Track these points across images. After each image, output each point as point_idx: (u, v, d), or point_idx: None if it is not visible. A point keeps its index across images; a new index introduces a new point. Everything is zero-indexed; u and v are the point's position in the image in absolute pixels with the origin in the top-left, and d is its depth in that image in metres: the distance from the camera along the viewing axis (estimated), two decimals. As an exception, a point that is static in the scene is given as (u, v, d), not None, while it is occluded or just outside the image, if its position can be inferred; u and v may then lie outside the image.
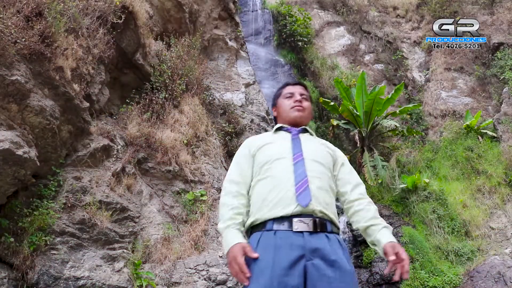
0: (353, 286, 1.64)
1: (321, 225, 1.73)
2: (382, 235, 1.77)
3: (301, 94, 2.15)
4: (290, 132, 2.06)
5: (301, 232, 1.68)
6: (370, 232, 1.82)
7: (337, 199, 2.00)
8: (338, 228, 1.86)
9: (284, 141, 1.99)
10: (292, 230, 1.69)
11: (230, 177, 1.96)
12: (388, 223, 6.60)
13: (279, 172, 1.84)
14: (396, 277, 1.67)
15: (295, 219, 1.71)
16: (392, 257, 1.67)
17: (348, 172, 2.02)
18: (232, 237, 1.72)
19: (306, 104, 2.14)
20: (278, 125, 2.13)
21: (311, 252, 1.64)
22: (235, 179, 1.94)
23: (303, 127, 2.11)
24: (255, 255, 1.63)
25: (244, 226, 1.82)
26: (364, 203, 1.90)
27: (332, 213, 1.82)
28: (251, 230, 1.82)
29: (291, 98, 2.13)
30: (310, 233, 1.69)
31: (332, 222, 1.80)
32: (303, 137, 2.05)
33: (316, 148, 2.00)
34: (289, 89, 2.18)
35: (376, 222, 1.83)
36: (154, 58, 6.53)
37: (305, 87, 2.23)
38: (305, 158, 1.89)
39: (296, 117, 2.09)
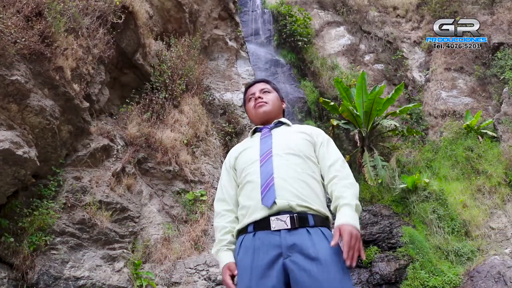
0: (336, 276, 1.56)
1: (301, 220, 1.68)
2: (337, 217, 1.68)
3: (261, 90, 2.11)
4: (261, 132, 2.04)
5: (278, 230, 1.67)
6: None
7: None
8: (327, 218, 1.78)
9: (255, 144, 1.98)
10: (270, 230, 1.68)
11: (216, 196, 2.04)
12: (388, 223, 6.56)
13: (251, 178, 1.85)
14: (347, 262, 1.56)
15: (272, 218, 1.69)
16: (332, 243, 1.60)
17: (324, 152, 1.93)
18: (221, 259, 1.82)
19: (268, 97, 2.09)
20: (253, 128, 2.12)
21: (288, 249, 1.62)
22: (220, 197, 2.00)
23: (276, 120, 2.07)
24: (235, 272, 1.73)
25: (233, 240, 1.88)
26: (334, 183, 1.80)
27: (315, 203, 1.74)
28: (238, 234, 1.85)
29: (253, 99, 2.11)
30: (288, 230, 1.66)
31: (315, 215, 1.72)
32: (277, 131, 2.01)
33: (290, 138, 1.94)
34: (249, 91, 2.16)
35: (337, 202, 1.73)
36: (154, 58, 6.53)
37: (266, 82, 2.18)
38: (275, 154, 1.85)
39: (260, 114, 2.06)
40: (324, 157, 1.92)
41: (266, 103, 2.07)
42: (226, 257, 1.81)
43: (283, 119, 2.10)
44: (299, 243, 1.62)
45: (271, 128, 2.03)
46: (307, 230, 1.67)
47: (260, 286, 1.58)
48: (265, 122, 2.08)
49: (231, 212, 1.93)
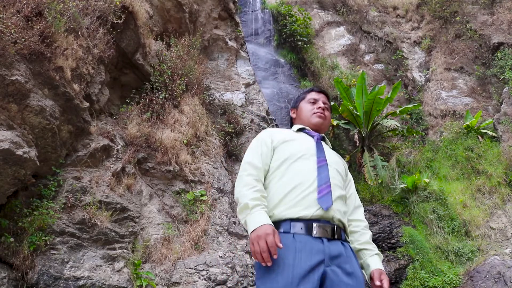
0: None
1: (338, 233, 1.77)
2: (372, 261, 1.87)
3: (324, 103, 2.19)
4: (312, 136, 2.06)
5: (320, 238, 1.69)
6: (362, 255, 1.91)
7: None
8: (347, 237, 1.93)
9: (308, 142, 2.00)
10: (311, 235, 1.68)
11: (250, 159, 1.91)
12: (388, 223, 6.59)
13: (303, 172, 1.83)
14: None
15: (314, 224, 1.70)
16: (377, 283, 1.78)
17: (353, 191, 2.08)
18: (264, 217, 1.66)
19: (327, 113, 2.19)
20: (300, 126, 2.13)
21: (330, 259, 1.66)
22: (256, 164, 1.88)
23: (323, 134, 2.15)
24: (280, 245, 1.59)
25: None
26: (361, 226, 1.98)
27: (346, 223, 1.88)
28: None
29: (314, 104, 2.16)
30: (328, 239, 1.71)
31: (345, 231, 1.87)
32: (324, 144, 2.08)
33: (335, 158, 2.05)
34: (313, 95, 2.20)
35: (369, 247, 1.92)
36: (154, 58, 6.53)
37: (328, 97, 2.27)
38: (330, 164, 1.93)
39: (317, 123, 2.11)
40: (351, 195, 2.05)
41: (326, 118, 2.16)
42: (268, 219, 1.67)
43: (325, 137, 2.18)
44: (339, 255, 1.69)
45: (320, 138, 2.09)
46: (342, 243, 1.76)
47: (302, 286, 1.56)
48: (312, 130, 2.13)
49: (262, 184, 1.86)
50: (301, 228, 1.69)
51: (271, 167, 1.91)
